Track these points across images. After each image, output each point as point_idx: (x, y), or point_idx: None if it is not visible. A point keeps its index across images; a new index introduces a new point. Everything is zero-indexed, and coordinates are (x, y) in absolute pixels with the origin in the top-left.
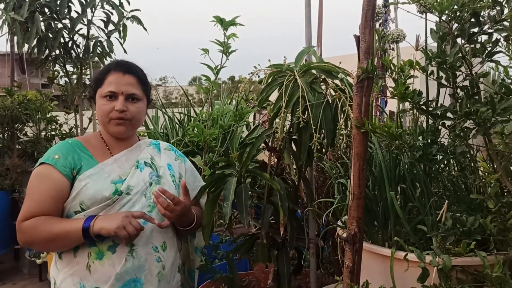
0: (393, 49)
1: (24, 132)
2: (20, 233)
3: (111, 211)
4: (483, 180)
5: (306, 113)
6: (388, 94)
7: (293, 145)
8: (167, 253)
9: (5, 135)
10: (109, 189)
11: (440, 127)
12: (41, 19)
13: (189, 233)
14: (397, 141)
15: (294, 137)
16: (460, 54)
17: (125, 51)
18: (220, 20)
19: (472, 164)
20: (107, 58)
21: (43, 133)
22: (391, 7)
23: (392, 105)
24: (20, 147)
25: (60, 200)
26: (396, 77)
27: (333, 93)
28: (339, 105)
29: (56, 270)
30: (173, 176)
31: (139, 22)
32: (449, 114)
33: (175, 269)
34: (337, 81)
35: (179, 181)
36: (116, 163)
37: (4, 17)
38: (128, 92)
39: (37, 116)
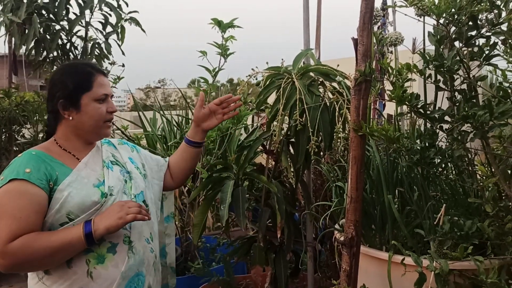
0: (391, 52)
1: (21, 133)
2: (7, 257)
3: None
4: (481, 183)
5: (304, 115)
6: (386, 97)
7: (290, 148)
8: (155, 242)
9: (3, 137)
10: (96, 193)
11: (437, 130)
12: (38, 20)
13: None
14: (395, 145)
15: (292, 140)
16: (457, 58)
17: (123, 53)
18: (218, 22)
19: (470, 168)
20: (105, 60)
21: (40, 135)
22: (390, 10)
23: (390, 108)
24: (17, 148)
25: (42, 215)
26: (394, 80)
27: (331, 95)
28: (337, 108)
29: (44, 286)
30: (138, 168)
31: (137, 23)
32: (446, 118)
33: (159, 256)
34: (335, 84)
35: (144, 170)
36: (88, 167)
37: (1, 19)
38: (112, 93)
39: (35, 118)
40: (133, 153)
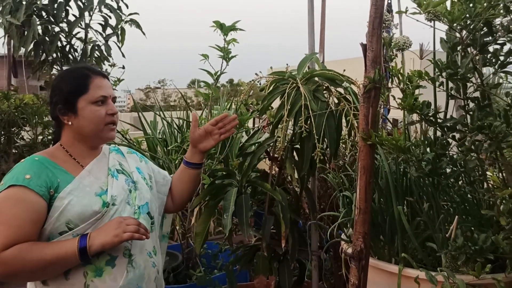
0: (396, 55)
1: (20, 136)
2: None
3: (100, 225)
4: (493, 194)
5: (309, 122)
6: (395, 104)
7: (295, 154)
8: (158, 256)
9: (2, 139)
10: (97, 202)
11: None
12: (38, 22)
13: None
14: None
15: (297, 146)
16: (471, 65)
17: (123, 55)
18: (220, 25)
19: (482, 178)
20: (105, 62)
21: (40, 138)
22: (395, 13)
23: (395, 111)
24: (16, 151)
25: (40, 223)
26: (404, 88)
27: (336, 101)
28: (343, 114)
29: None
30: (145, 178)
31: (138, 25)
32: (458, 126)
33: (162, 271)
34: (340, 89)
35: (151, 181)
36: (92, 175)
37: (0, 21)
38: (113, 95)
39: (34, 121)
40: (141, 163)
